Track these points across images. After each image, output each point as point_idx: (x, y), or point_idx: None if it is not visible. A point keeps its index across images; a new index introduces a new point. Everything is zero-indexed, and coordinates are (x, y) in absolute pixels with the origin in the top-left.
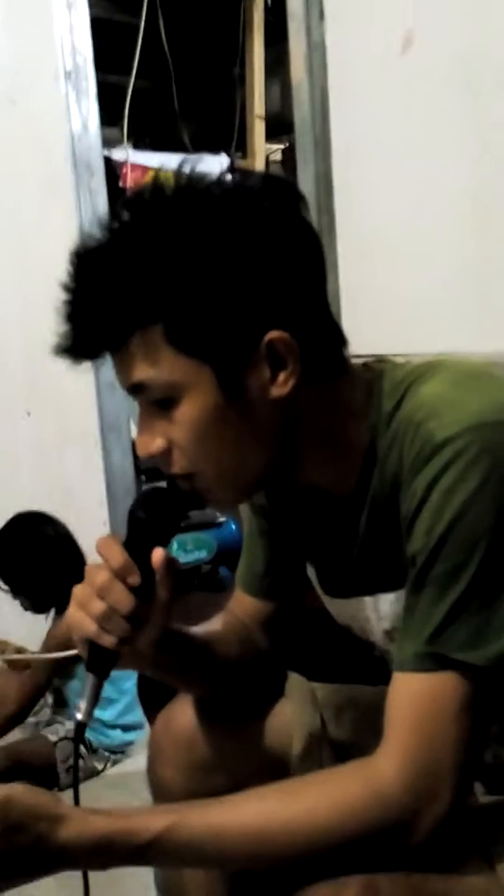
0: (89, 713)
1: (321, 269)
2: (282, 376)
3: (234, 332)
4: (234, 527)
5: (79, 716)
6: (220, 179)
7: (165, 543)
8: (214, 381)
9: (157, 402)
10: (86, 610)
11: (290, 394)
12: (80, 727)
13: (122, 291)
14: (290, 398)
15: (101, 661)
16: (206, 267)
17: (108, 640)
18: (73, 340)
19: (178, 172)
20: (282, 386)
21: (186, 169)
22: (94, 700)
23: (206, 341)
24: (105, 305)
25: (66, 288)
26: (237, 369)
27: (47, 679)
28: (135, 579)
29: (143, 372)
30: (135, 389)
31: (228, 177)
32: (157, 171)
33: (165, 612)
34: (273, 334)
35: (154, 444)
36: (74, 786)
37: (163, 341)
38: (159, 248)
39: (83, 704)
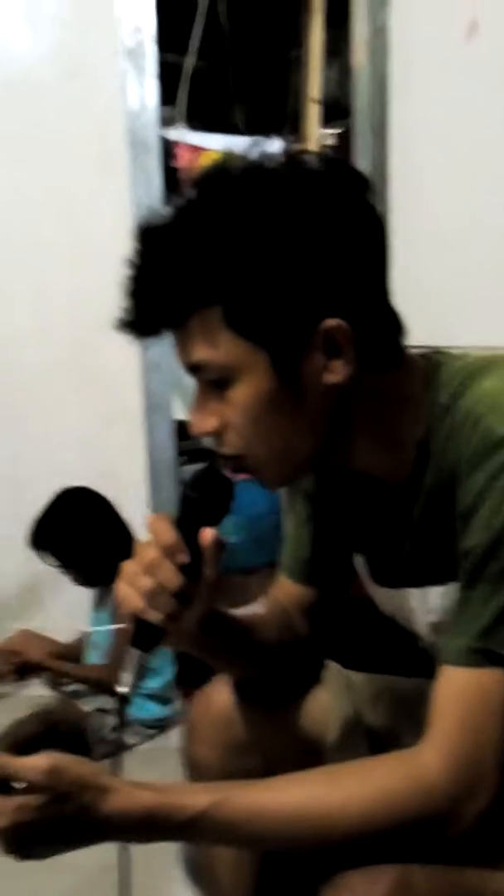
0: (133, 687)
1: (384, 258)
2: (337, 364)
3: (291, 317)
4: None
5: (124, 688)
6: (287, 162)
7: (216, 524)
8: (270, 366)
9: (213, 382)
10: (134, 586)
11: (344, 382)
12: (124, 699)
13: (184, 269)
14: (345, 386)
15: (146, 637)
16: (268, 251)
17: (155, 617)
18: (135, 316)
19: (246, 153)
20: (336, 374)
21: (255, 151)
22: (139, 675)
23: (264, 326)
24: (167, 282)
25: (131, 263)
26: (293, 355)
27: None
28: (183, 557)
29: (201, 352)
30: (192, 368)
31: (294, 160)
32: (220, 153)
33: (211, 591)
34: (330, 322)
35: (208, 423)
36: (114, 759)
37: (221, 323)
38: (223, 228)
39: (127, 678)
